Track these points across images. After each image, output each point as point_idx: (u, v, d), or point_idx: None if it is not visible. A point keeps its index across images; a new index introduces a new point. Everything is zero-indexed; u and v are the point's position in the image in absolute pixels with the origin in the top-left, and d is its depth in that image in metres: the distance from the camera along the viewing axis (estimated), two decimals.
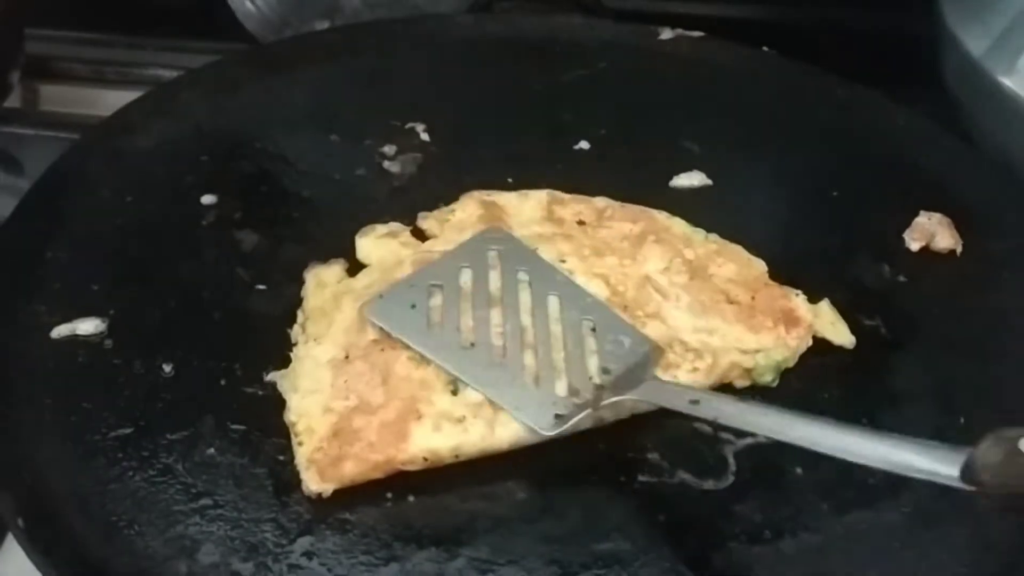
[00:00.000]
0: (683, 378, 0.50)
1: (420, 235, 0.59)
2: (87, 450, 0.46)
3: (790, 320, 0.53)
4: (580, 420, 0.48)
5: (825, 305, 0.55)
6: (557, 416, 0.48)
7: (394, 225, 0.59)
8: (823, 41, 0.81)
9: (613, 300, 0.54)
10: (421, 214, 0.60)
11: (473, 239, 0.56)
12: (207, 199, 0.60)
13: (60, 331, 0.51)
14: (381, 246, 0.58)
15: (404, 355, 0.50)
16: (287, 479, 0.46)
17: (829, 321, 0.54)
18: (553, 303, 0.53)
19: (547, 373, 0.49)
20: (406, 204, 0.61)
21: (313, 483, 0.46)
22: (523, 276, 0.54)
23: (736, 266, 0.56)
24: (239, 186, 0.61)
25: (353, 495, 0.46)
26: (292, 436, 0.48)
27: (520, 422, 0.48)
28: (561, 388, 0.49)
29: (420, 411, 0.48)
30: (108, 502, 0.44)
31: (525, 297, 0.53)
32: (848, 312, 0.55)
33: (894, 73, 0.76)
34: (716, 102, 0.71)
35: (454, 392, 0.49)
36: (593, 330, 0.52)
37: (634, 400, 0.49)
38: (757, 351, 0.52)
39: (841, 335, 0.54)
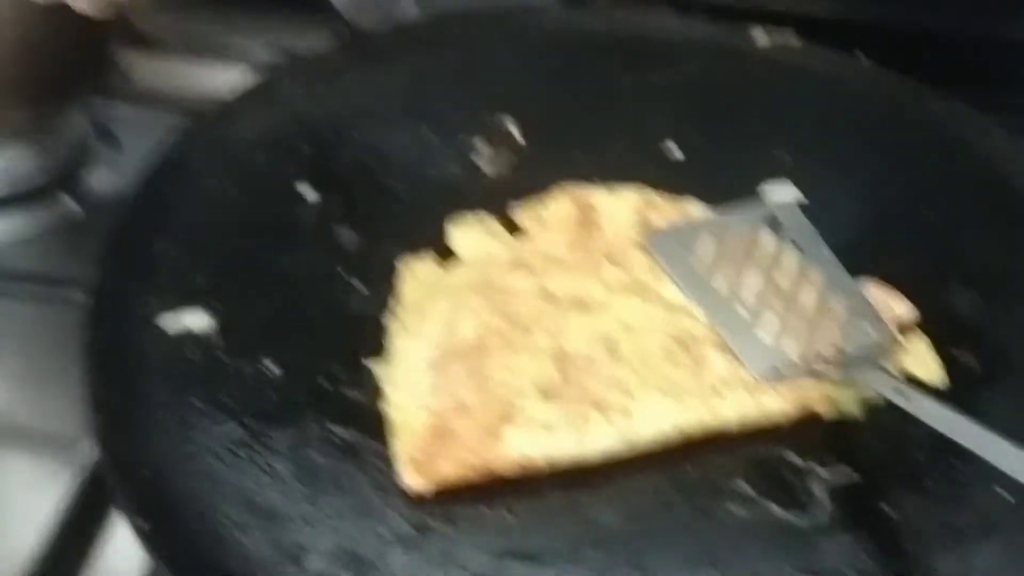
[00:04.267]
0: (767, 404, 0.51)
1: (511, 228, 0.61)
2: (197, 448, 0.48)
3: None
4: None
5: (918, 340, 0.55)
6: (777, 370, 0.52)
7: (484, 215, 0.61)
8: (921, 45, 0.80)
9: None
10: (512, 204, 0.61)
11: (752, 206, 0.61)
12: (308, 193, 0.61)
13: (170, 325, 0.53)
14: (473, 239, 0.59)
15: (498, 358, 0.52)
16: (387, 486, 0.48)
17: (921, 358, 0.54)
18: (815, 275, 0.56)
19: (784, 335, 0.53)
20: (498, 200, 0.62)
21: (411, 480, 0.48)
22: (793, 246, 0.58)
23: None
24: (338, 180, 0.62)
25: (452, 506, 0.48)
26: (388, 427, 0.50)
27: (740, 360, 0.52)
28: (791, 351, 0.52)
29: (513, 416, 0.49)
30: (218, 503, 0.46)
31: (791, 264, 0.57)
32: (938, 343, 0.55)
33: (995, 79, 0.75)
34: (809, 112, 0.70)
35: (546, 399, 0.50)
36: (841, 309, 0.55)
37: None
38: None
39: (932, 374, 0.54)
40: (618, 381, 0.51)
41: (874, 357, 0.53)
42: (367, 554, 0.45)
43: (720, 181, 0.64)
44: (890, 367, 0.53)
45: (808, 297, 0.55)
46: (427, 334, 0.53)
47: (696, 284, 0.56)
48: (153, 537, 0.43)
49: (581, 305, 0.54)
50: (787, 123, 0.69)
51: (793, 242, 0.58)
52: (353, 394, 0.51)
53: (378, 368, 0.52)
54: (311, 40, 0.76)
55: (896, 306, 0.57)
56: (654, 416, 0.50)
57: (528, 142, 0.67)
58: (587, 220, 0.60)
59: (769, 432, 0.52)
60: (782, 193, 0.64)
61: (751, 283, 0.56)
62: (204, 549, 0.44)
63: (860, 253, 0.60)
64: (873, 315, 0.55)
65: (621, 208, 0.61)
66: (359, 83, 0.69)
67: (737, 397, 0.51)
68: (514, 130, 0.67)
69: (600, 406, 0.50)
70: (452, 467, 0.48)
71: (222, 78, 0.77)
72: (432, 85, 0.70)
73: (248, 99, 0.66)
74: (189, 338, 0.53)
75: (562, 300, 0.55)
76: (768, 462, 0.50)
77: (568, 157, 0.65)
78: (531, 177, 0.63)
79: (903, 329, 0.56)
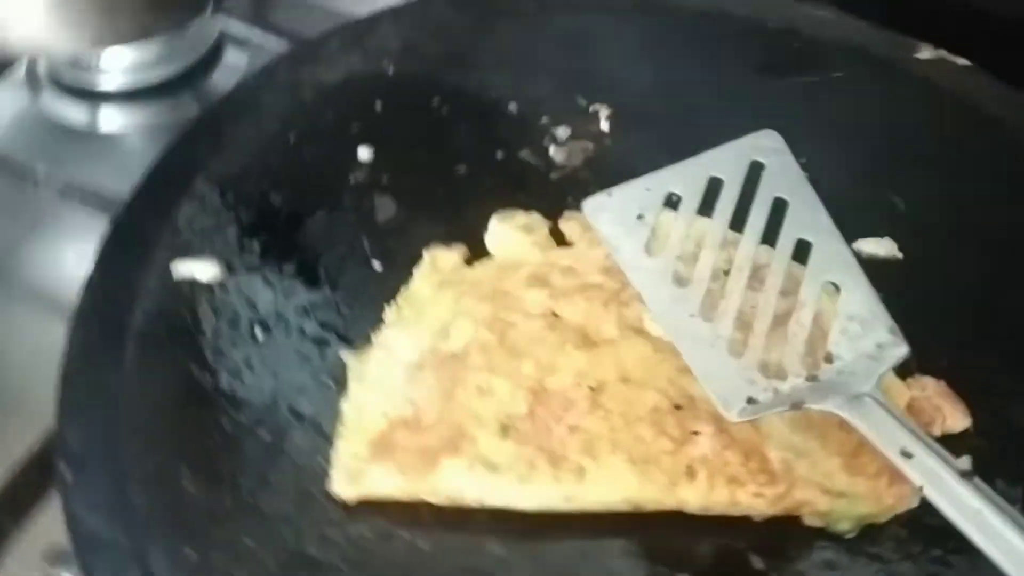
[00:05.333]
0: (743, 499, 0.45)
1: (558, 236, 0.56)
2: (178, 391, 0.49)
3: (898, 473, 0.46)
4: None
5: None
6: (750, 401, 0.43)
7: (535, 217, 0.56)
8: None
9: None
10: (567, 214, 0.57)
11: (740, 142, 0.50)
12: (364, 153, 0.59)
13: (180, 271, 0.53)
14: (512, 239, 0.55)
15: (473, 377, 0.49)
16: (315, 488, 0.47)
17: None
18: (800, 252, 0.46)
19: (757, 342, 0.44)
20: (559, 199, 0.57)
21: (338, 487, 0.46)
22: (780, 207, 0.47)
23: None
24: (399, 146, 0.60)
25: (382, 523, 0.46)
26: (338, 426, 0.48)
27: (707, 392, 0.43)
28: (768, 366, 0.43)
29: (461, 445, 0.47)
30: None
31: (767, 237, 0.46)
32: (989, 470, 0.47)
33: None
34: (952, 150, 0.60)
35: (503, 434, 0.47)
36: (834, 301, 0.45)
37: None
38: (841, 495, 0.46)
39: None
40: (587, 434, 0.47)
41: (873, 368, 0.43)
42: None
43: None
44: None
45: (789, 296, 0.45)
46: (417, 333, 0.51)
47: (646, 269, 0.45)
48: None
49: (584, 340, 0.50)
50: (921, 160, 0.60)
51: (781, 199, 0.46)
52: (326, 381, 0.50)
53: (352, 360, 0.50)
54: None
55: (948, 414, 0.49)
56: (608, 484, 0.45)
57: (613, 138, 0.61)
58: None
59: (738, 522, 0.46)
60: (878, 249, 0.56)
61: (714, 269, 0.45)
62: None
63: (948, 338, 0.52)
64: (874, 306, 0.44)
65: (677, 236, 0.55)
66: (459, 41, 0.65)
67: (711, 486, 0.45)
68: (604, 122, 0.62)
69: (554, 458, 0.46)
70: (379, 484, 0.46)
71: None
72: (534, 55, 0.65)
73: (336, 41, 0.64)
74: (195, 286, 0.53)
75: (566, 329, 0.50)
76: (788, 538, 0.45)
77: (651, 162, 0.58)
78: (603, 180, 0.57)
79: (945, 441, 0.48)
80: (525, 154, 0.60)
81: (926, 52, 0.65)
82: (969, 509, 0.40)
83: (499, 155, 0.60)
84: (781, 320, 0.45)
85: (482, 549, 0.46)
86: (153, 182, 0.56)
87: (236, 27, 0.78)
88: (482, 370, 0.49)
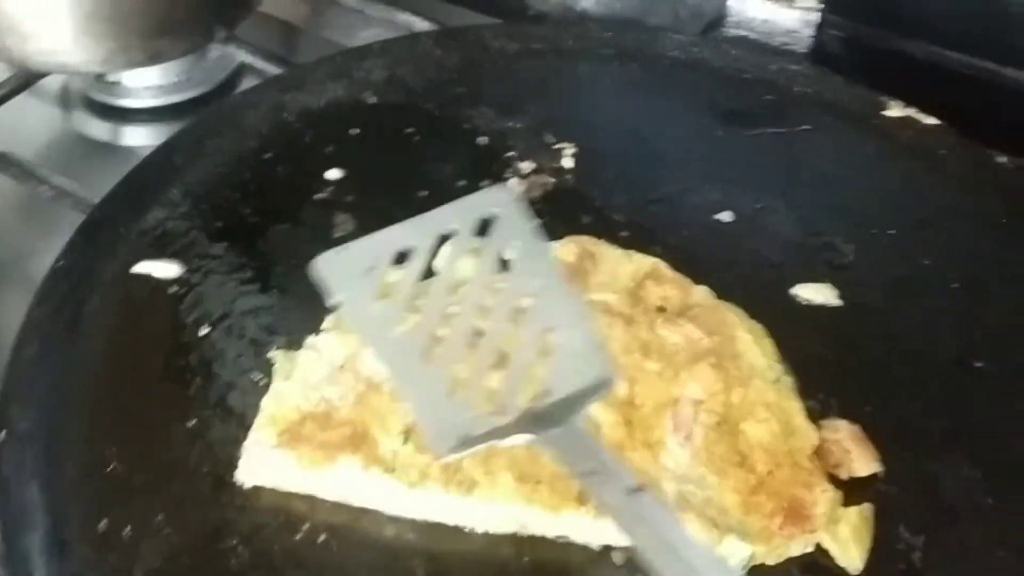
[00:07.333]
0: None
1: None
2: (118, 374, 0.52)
3: (793, 514, 0.46)
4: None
5: (855, 513, 0.47)
6: (465, 438, 0.43)
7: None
8: None
9: (624, 409, 0.50)
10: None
11: (473, 197, 0.51)
12: (332, 173, 0.63)
13: (141, 267, 0.57)
14: (459, 262, 0.57)
15: (390, 384, 0.49)
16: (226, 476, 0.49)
17: (846, 534, 0.46)
18: (525, 296, 0.46)
19: (476, 381, 0.44)
20: None
21: (241, 471, 0.48)
22: (510, 254, 0.48)
23: (777, 429, 0.49)
24: (367, 169, 0.63)
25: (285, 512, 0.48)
26: (256, 420, 0.49)
27: (422, 431, 0.44)
28: (484, 403, 0.44)
29: (362, 445, 0.48)
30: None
31: (496, 282, 0.47)
32: (892, 516, 0.47)
33: None
34: (912, 208, 0.61)
35: (405, 440, 0.48)
36: (554, 340, 0.45)
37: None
38: (730, 531, 0.45)
39: (849, 557, 0.46)
40: (487, 449, 0.47)
41: (581, 399, 0.43)
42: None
43: (758, 268, 0.58)
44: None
45: (511, 327, 0.45)
46: (348, 339, 0.52)
47: (374, 319, 0.44)
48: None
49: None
50: (875, 215, 0.61)
51: (510, 250, 0.47)
52: (257, 379, 0.53)
53: (281, 359, 0.52)
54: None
55: (856, 458, 0.49)
56: (495, 500, 0.46)
57: (574, 176, 0.63)
58: (579, 272, 0.56)
59: None
60: (816, 295, 0.57)
61: (442, 314, 0.45)
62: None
63: (871, 392, 0.52)
64: (591, 343, 0.45)
65: (625, 269, 0.57)
66: (443, 73, 0.69)
67: (598, 513, 0.46)
68: (568, 160, 0.64)
69: (449, 469, 0.47)
70: (277, 475, 0.48)
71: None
72: (514, 91, 0.68)
73: (324, 68, 0.68)
74: (152, 283, 0.56)
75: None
76: None
77: (607, 203, 0.62)
78: (557, 215, 0.60)
79: (852, 484, 0.48)
80: (486, 184, 0.63)
81: (895, 110, 0.66)
82: (640, 522, 0.40)
83: (461, 183, 0.63)
84: (503, 358, 0.45)
85: (379, 543, 0.47)
86: (129, 184, 0.60)
87: (253, 58, 0.83)
88: None
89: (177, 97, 0.81)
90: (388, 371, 0.45)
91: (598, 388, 0.44)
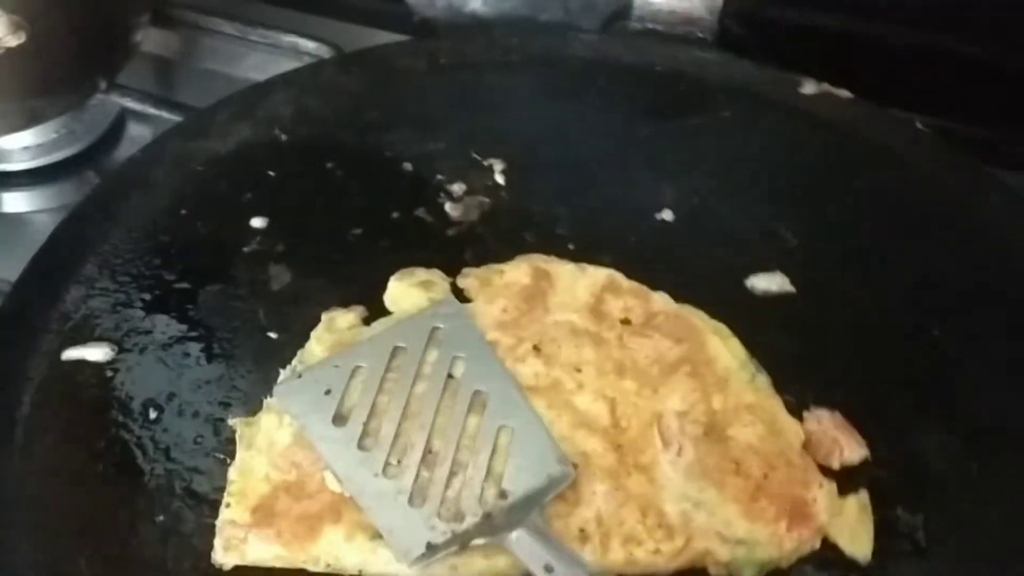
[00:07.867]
0: (641, 558, 0.45)
1: (458, 292, 0.56)
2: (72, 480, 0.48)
3: (797, 515, 0.46)
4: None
5: (854, 503, 0.47)
6: (429, 546, 0.44)
7: (435, 274, 0.56)
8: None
9: (610, 433, 0.49)
10: (464, 271, 0.57)
11: (423, 313, 0.53)
12: (257, 222, 0.59)
13: (70, 355, 0.52)
14: (411, 296, 0.55)
15: None
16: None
17: (849, 524, 0.47)
18: (477, 403, 0.49)
19: (436, 490, 0.46)
20: (456, 255, 0.58)
21: (218, 552, 0.46)
22: (458, 366, 0.50)
23: (764, 429, 0.49)
24: (293, 212, 0.60)
25: None
26: (225, 495, 0.47)
27: (388, 545, 0.44)
28: (446, 511, 0.45)
29: (341, 514, 0.46)
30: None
31: (447, 393, 0.49)
32: (888, 499, 0.48)
33: None
34: (842, 183, 0.62)
35: None
36: (509, 442, 0.47)
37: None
38: (741, 542, 0.46)
39: (858, 546, 0.46)
40: None
41: (538, 497, 0.45)
42: None
43: (709, 263, 0.58)
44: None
45: (465, 435, 0.48)
46: None
47: (334, 438, 0.47)
48: None
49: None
50: (809, 194, 0.61)
51: (458, 362, 0.50)
52: (221, 457, 0.49)
53: (242, 427, 0.49)
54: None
55: (845, 445, 0.50)
56: (494, 551, 0.45)
57: (508, 192, 0.62)
58: (537, 293, 0.55)
59: None
60: (770, 284, 0.57)
61: (396, 430, 0.48)
62: None
63: (841, 372, 0.53)
64: (545, 442, 0.47)
65: (582, 283, 0.56)
66: (350, 101, 0.66)
67: (605, 549, 0.45)
68: (499, 176, 0.62)
69: None
70: (260, 552, 0.45)
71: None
72: (430, 111, 0.66)
73: (226, 111, 0.64)
74: (86, 368, 0.52)
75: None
76: None
77: (547, 215, 0.60)
78: (500, 234, 0.59)
79: (844, 473, 0.49)
80: (421, 212, 0.61)
81: (809, 87, 0.66)
82: None
83: (395, 215, 0.60)
84: (460, 467, 0.47)
85: None
86: (40, 266, 0.55)
87: (136, 103, 0.77)
88: None
89: (58, 155, 0.75)
90: (350, 490, 0.46)
91: (553, 485, 0.46)
